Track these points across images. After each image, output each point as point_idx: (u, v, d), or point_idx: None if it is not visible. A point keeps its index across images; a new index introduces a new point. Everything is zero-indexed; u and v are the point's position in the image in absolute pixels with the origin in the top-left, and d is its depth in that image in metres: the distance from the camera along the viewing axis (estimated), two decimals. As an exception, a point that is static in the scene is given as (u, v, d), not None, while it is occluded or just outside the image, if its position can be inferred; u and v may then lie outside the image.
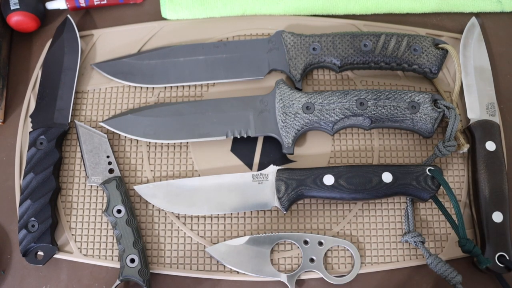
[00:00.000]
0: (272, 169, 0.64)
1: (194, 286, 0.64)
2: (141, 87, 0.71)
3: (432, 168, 0.62)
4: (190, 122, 0.67)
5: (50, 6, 0.74)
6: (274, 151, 0.68)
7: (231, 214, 0.66)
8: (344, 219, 0.65)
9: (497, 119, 0.68)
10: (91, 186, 0.67)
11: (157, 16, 0.75)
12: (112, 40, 0.73)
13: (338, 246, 0.64)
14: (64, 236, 0.65)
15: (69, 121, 0.68)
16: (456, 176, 0.67)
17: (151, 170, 0.67)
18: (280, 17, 0.75)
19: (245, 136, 0.66)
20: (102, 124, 0.68)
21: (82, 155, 0.66)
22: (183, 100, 0.70)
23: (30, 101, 0.70)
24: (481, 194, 0.64)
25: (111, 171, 0.66)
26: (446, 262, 0.61)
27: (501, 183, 0.64)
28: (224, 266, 0.63)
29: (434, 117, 0.65)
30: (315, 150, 0.68)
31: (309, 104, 0.65)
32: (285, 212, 0.64)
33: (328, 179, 0.62)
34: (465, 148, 0.66)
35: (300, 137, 0.68)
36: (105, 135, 0.67)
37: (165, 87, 0.71)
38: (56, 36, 0.72)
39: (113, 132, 0.68)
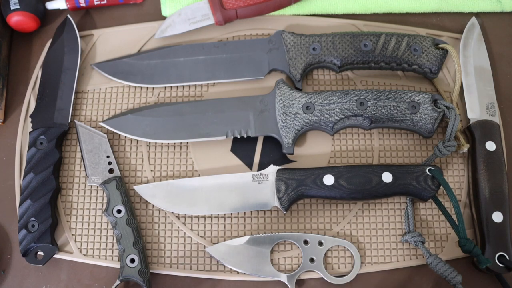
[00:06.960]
0: (272, 169, 0.64)
1: (194, 286, 0.64)
2: (141, 87, 0.71)
3: (432, 168, 0.62)
4: (190, 122, 0.67)
5: (50, 6, 0.74)
6: (274, 151, 0.68)
7: (231, 214, 0.66)
8: (344, 219, 0.65)
9: (497, 119, 0.68)
10: (91, 186, 0.66)
11: (157, 16, 0.75)
12: (112, 40, 0.73)
13: (338, 246, 0.64)
14: (64, 236, 0.65)
15: (69, 121, 0.68)
16: (456, 176, 0.67)
17: (151, 170, 0.67)
18: (280, 17, 0.75)
19: (245, 136, 0.66)
20: (102, 124, 0.68)
21: (82, 155, 0.66)
22: (183, 100, 0.70)
23: (30, 101, 0.70)
24: (481, 194, 0.64)
25: (111, 171, 0.66)
26: (446, 262, 0.61)
27: (501, 183, 0.64)
28: (224, 266, 0.63)
29: (434, 117, 0.64)
30: (315, 150, 0.68)
31: (309, 104, 0.65)
32: (285, 212, 0.64)
33: (328, 179, 0.62)
34: (465, 148, 0.66)
35: (300, 137, 0.68)
36: (105, 135, 0.67)
37: (165, 87, 0.71)
38: (56, 36, 0.72)
39: (113, 132, 0.68)
